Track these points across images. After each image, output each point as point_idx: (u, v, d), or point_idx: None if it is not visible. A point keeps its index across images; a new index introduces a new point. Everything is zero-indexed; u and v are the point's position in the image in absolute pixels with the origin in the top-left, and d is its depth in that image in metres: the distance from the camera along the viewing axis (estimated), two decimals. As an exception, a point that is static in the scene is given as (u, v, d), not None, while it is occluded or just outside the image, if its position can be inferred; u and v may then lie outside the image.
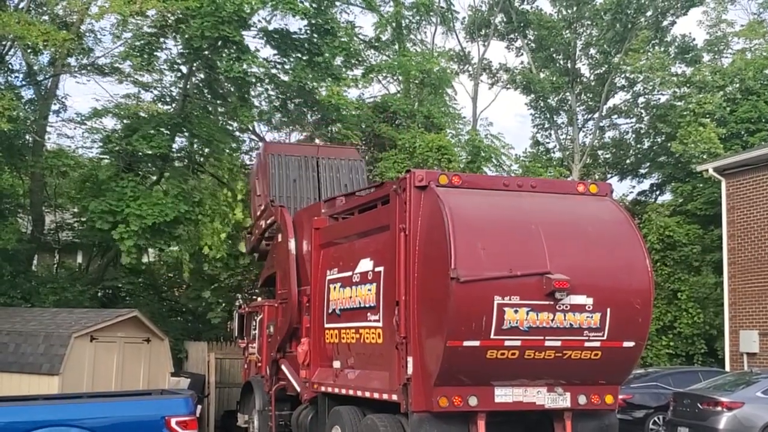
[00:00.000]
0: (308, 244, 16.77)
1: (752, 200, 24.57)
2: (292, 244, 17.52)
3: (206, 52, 22.81)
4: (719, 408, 17.57)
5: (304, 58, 23.92)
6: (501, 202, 12.81)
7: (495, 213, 12.60)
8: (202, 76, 25.36)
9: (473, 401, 12.37)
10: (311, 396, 16.22)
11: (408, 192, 12.78)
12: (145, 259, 23.48)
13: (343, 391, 14.76)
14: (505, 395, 12.54)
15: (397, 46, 30.94)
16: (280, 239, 18.90)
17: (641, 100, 41.55)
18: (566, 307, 12.16)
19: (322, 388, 15.63)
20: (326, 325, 15.69)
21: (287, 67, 24.83)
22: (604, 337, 12.43)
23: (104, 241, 24.45)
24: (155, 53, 23.48)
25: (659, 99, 39.77)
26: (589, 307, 12.27)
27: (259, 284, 20.65)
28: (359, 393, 14.18)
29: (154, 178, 25.90)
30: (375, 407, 13.97)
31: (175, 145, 24.81)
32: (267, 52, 28.48)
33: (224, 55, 22.57)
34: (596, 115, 42.70)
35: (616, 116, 43.31)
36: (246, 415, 19.93)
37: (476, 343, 11.94)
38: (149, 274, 28.33)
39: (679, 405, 18.56)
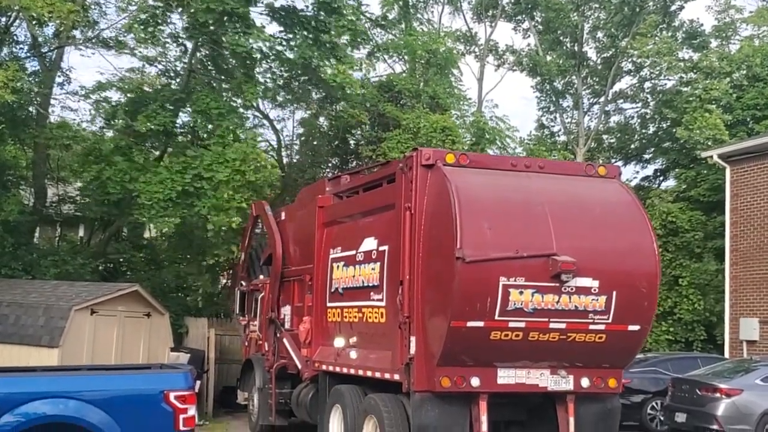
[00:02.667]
0: (311, 222, 16.66)
1: (756, 187, 24.48)
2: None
3: (211, 27, 22.57)
4: (718, 394, 17.53)
5: (310, 35, 23.67)
6: (508, 182, 12.70)
7: (502, 193, 12.49)
8: (206, 51, 25.09)
9: (475, 382, 12.31)
10: (312, 374, 16.18)
11: (414, 171, 12.68)
12: (147, 234, 23.29)
13: (345, 370, 14.70)
14: (507, 377, 12.48)
15: (403, 26, 30.72)
16: (283, 217, 18.85)
17: (647, 85, 41.41)
18: (572, 289, 12.07)
19: (324, 367, 15.58)
20: (328, 304, 15.63)
21: (293, 44, 24.49)
22: (609, 321, 12.35)
23: (107, 214, 24.43)
24: (160, 27, 23.12)
25: (665, 84, 39.66)
26: (594, 290, 12.19)
27: (261, 262, 20.58)
28: (361, 372, 14.12)
29: (158, 153, 25.84)
30: (376, 386, 13.93)
31: (178, 121, 24.53)
32: (273, 28, 28.31)
33: (229, 30, 22.25)
34: (602, 100, 42.55)
35: (621, 101, 43.20)
36: (246, 393, 19.91)
37: (480, 324, 11.87)
38: (151, 249, 28.18)
39: (678, 391, 18.52)
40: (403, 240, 12.73)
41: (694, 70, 36.11)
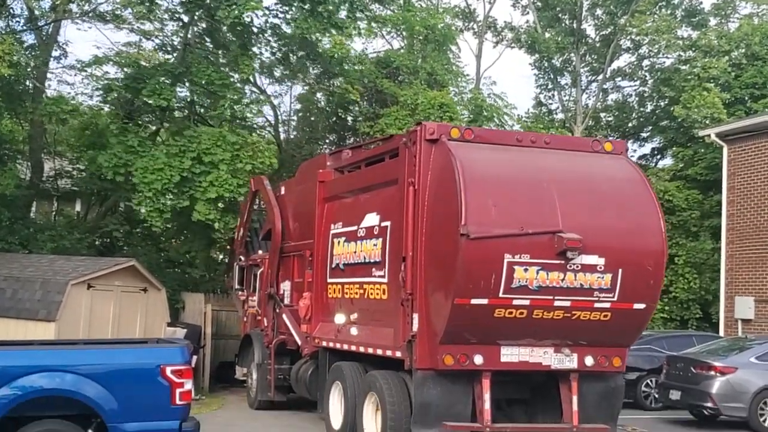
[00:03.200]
0: (311, 197, 16.53)
1: (753, 167, 24.43)
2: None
3: (207, 0, 22.35)
4: (712, 372, 17.56)
5: (307, 6, 23.27)
6: (513, 157, 12.59)
7: (507, 169, 12.39)
8: (203, 25, 24.95)
9: (478, 360, 12.25)
10: (312, 351, 16.12)
11: (418, 145, 12.55)
12: (140, 208, 23.17)
13: (345, 347, 14.63)
14: (511, 355, 12.42)
15: (401, 1, 30.38)
16: (283, 192, 18.73)
17: (646, 63, 41.08)
18: (577, 267, 11.99)
19: (324, 343, 15.51)
20: (329, 280, 15.53)
21: (289, 17, 24.29)
22: (615, 299, 12.28)
23: (104, 189, 24.31)
24: (156, 1, 22.90)
25: (664, 62, 39.37)
26: (600, 268, 12.10)
27: (260, 237, 20.45)
28: (362, 349, 14.05)
29: (154, 128, 25.73)
30: (377, 364, 13.88)
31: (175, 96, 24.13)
32: (269, 0, 28.12)
33: (223, 2, 21.67)
34: (600, 77, 42.18)
35: (620, 79, 42.82)
36: (244, 368, 19.84)
37: (484, 302, 11.79)
38: (147, 226, 28.00)
39: (672, 368, 18.54)
40: (406, 216, 12.63)
41: (693, 49, 35.85)
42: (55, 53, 26.20)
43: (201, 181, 21.22)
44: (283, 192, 18.76)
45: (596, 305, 12.27)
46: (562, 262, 11.92)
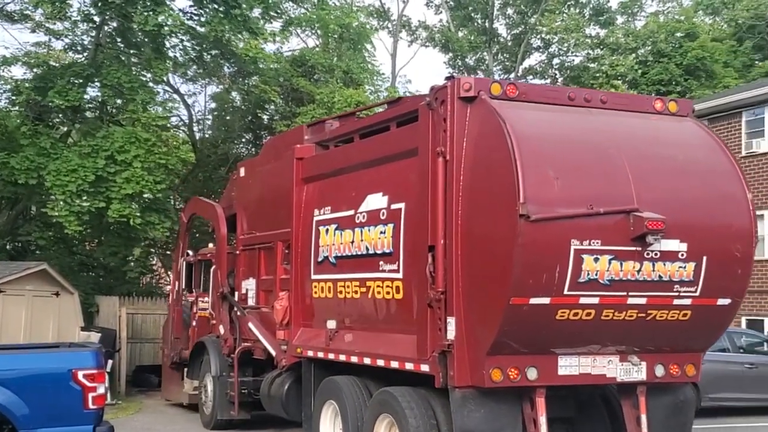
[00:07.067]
0: (284, 178, 13.78)
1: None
2: None
3: (119, 1, 21.08)
4: None
5: (221, 9, 22.54)
6: (569, 119, 9.99)
7: (565, 133, 9.77)
8: (114, 24, 23.77)
9: (532, 374, 9.67)
10: (292, 362, 13.36)
11: (450, 105, 9.88)
12: (53, 213, 21.55)
13: (342, 358, 11.95)
14: (570, 366, 9.88)
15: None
16: (243, 173, 15.90)
17: (556, 61, 42.61)
18: (656, 254, 9.51)
19: (309, 353, 12.79)
20: (314, 277, 12.83)
21: (203, 19, 23.41)
22: (697, 293, 9.83)
23: (15, 194, 23.17)
24: (67, 1, 21.81)
25: (573, 60, 40.96)
26: (682, 255, 9.64)
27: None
28: (366, 360, 11.39)
29: (65, 129, 25.28)
30: (383, 378, 11.32)
31: (86, 96, 23.70)
32: (183, 2, 26.78)
33: (139, 5, 21.02)
34: (512, 76, 42.73)
35: (531, 77, 43.68)
36: (195, 381, 17.02)
37: (546, 301, 9.21)
38: (59, 228, 25.84)
39: None
40: (434, 194, 9.98)
41: (601, 47, 37.19)
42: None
43: (116, 179, 20.63)
44: (243, 174, 15.89)
45: (675, 302, 9.80)
46: (639, 248, 9.41)
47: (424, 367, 10.18)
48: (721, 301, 10.06)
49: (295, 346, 13.19)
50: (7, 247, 24.73)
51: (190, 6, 23.73)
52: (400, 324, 10.90)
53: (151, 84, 24.01)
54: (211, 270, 16.94)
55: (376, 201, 11.44)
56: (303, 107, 27.50)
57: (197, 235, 24.41)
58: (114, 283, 26.15)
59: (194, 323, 17.86)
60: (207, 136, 32.90)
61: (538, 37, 41.48)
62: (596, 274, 9.29)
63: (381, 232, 11.23)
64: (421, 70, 78.29)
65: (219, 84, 30.71)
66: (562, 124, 9.86)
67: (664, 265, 9.59)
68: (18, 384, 9.62)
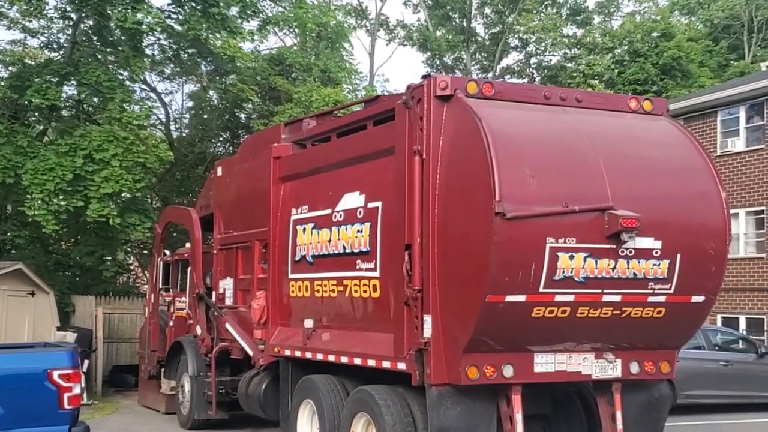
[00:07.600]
0: (262, 177, 13.77)
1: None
2: None
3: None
4: None
5: (198, 7, 22.58)
6: (545, 118, 10.05)
7: (541, 132, 9.84)
8: (91, 22, 23.63)
9: (508, 371, 9.72)
10: (270, 361, 13.35)
11: (426, 104, 9.92)
12: (30, 212, 21.41)
13: (319, 357, 11.95)
14: (545, 363, 9.93)
15: (293, -2, 29.95)
16: (220, 173, 15.88)
17: (533, 60, 42.84)
18: (630, 252, 9.59)
19: (287, 352, 12.80)
20: (291, 276, 12.83)
21: (181, 17, 23.36)
22: (671, 291, 9.91)
23: None
24: None
25: (551, 60, 41.31)
26: (656, 253, 9.73)
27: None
28: (344, 359, 11.40)
29: (41, 128, 25.12)
30: (360, 377, 11.34)
31: (63, 94, 23.34)
32: (161, 0, 26.58)
33: (117, 3, 21.00)
34: (490, 75, 42.78)
35: (509, 76, 43.95)
36: (173, 381, 16.96)
37: (522, 298, 9.27)
38: (36, 227, 25.67)
39: None
40: (410, 193, 10.01)
41: (578, 46, 37.54)
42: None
43: (94, 178, 20.47)
44: (220, 173, 15.85)
45: (650, 299, 9.89)
46: (614, 246, 9.48)
47: (401, 366, 10.20)
48: (696, 299, 10.15)
49: (272, 345, 13.19)
50: (-19, 246, 24.64)
51: (169, 4, 23.74)
52: (377, 322, 10.93)
53: (128, 82, 23.94)
54: (188, 271, 16.89)
55: (353, 200, 11.46)
56: (280, 106, 27.47)
57: (174, 234, 24.30)
58: (90, 282, 25.96)
59: (171, 323, 17.80)
60: (184, 134, 32.86)
61: (516, 36, 41.64)
62: (571, 272, 9.35)
63: (358, 231, 11.25)
64: (400, 69, 78.17)
65: (196, 82, 30.66)
66: (537, 122, 9.92)
67: (639, 262, 9.67)
68: None
